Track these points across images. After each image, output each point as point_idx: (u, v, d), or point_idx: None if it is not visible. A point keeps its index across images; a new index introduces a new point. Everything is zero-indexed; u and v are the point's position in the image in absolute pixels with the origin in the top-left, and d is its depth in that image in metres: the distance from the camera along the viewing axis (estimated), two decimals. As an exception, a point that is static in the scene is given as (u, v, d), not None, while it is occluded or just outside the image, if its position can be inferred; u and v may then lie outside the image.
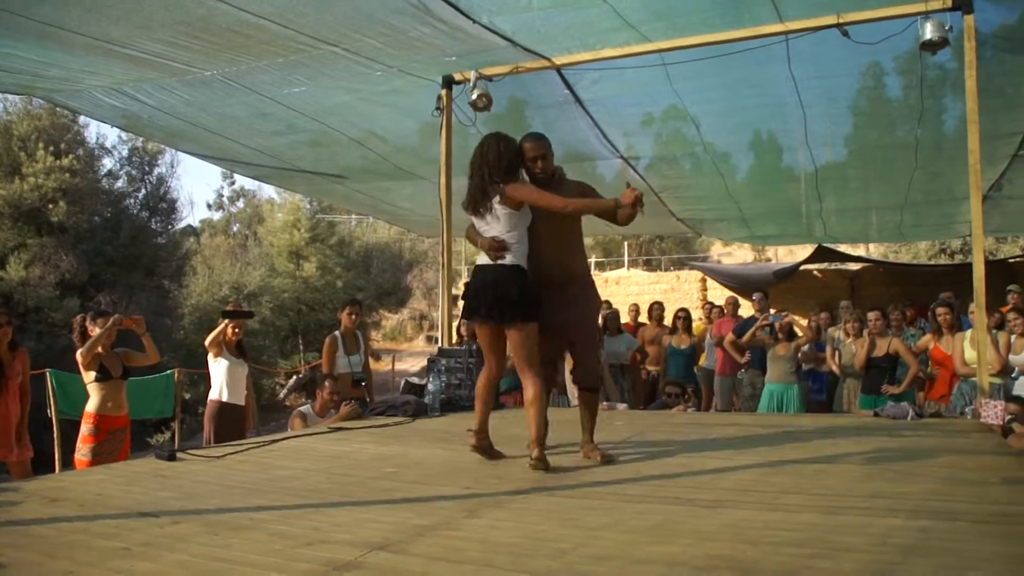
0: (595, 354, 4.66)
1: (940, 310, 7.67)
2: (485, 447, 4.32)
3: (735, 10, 6.10)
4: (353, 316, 7.70)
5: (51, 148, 18.63)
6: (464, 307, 4.27)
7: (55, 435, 9.38)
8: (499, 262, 4.10)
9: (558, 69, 7.24)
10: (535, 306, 4.12)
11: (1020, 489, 3.28)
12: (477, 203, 4.18)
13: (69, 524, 2.99)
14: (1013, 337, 7.10)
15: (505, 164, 4.13)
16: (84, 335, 6.26)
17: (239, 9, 5.71)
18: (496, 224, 4.13)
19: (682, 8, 6.10)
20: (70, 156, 18.94)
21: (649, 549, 2.57)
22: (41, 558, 2.54)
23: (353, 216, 30.29)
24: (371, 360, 7.91)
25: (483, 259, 4.19)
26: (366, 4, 5.85)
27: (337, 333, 7.63)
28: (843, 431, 5.29)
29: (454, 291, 9.50)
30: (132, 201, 22.40)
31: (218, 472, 4.16)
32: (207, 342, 7.24)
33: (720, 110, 8.09)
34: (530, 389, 4.06)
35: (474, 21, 6.15)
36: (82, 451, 6.11)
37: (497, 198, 4.09)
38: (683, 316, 10.04)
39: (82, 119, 19.87)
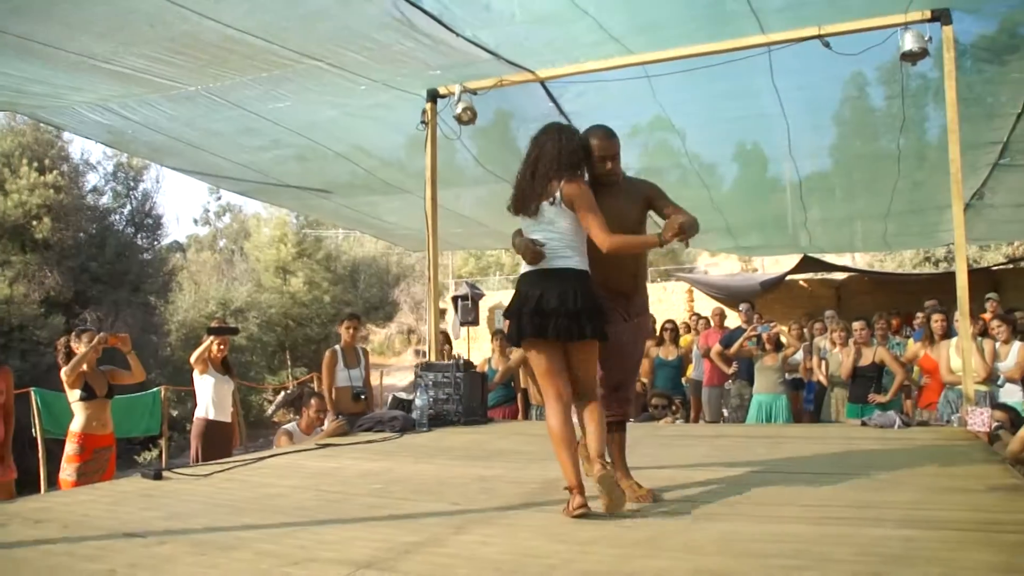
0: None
1: (936, 316, 7.67)
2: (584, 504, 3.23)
3: (717, 22, 6.14)
4: (351, 331, 7.73)
5: (35, 164, 18.50)
6: (519, 324, 3.50)
7: (40, 455, 9.29)
8: (565, 266, 3.48)
9: (542, 82, 7.26)
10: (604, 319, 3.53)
11: (1006, 497, 3.29)
12: (527, 200, 3.58)
13: (53, 546, 2.96)
14: (997, 344, 7.14)
15: (566, 159, 3.56)
16: (69, 355, 6.21)
17: (223, 25, 5.71)
18: (548, 227, 3.52)
19: (665, 21, 6.13)
20: (54, 172, 18.81)
21: (639, 563, 2.57)
22: (24, 581, 2.52)
23: (340, 231, 30.23)
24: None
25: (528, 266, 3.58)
26: (350, 19, 5.86)
27: (337, 347, 7.66)
28: (831, 441, 5.31)
29: (442, 304, 9.51)
30: (117, 217, 22.25)
31: (205, 491, 4.13)
32: (192, 359, 7.21)
33: (705, 121, 8.13)
34: (597, 410, 3.49)
35: (458, 35, 6.17)
36: (67, 471, 6.05)
37: (555, 197, 3.49)
38: (670, 328, 10.05)
39: (66, 135, 19.78)
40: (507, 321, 3.73)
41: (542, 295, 3.43)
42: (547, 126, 3.74)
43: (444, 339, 8.79)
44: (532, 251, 3.48)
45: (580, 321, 3.39)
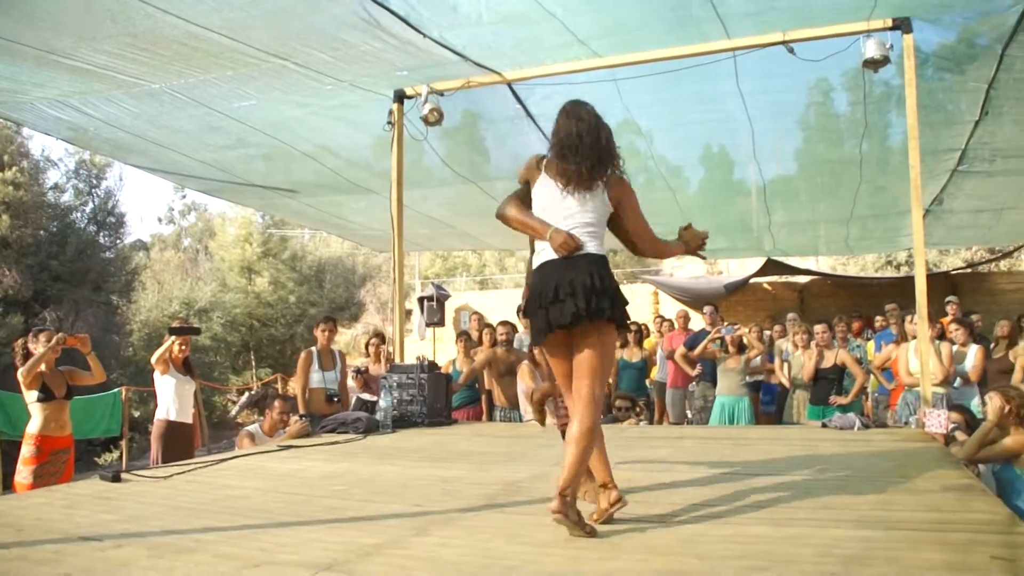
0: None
1: (911, 318, 7.42)
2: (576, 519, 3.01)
3: (683, 26, 6.18)
4: (327, 332, 7.75)
5: (-7, 160, 18.23)
6: (544, 314, 3.25)
7: (-5, 456, 9.14)
8: (584, 252, 3.28)
9: (509, 84, 7.27)
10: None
11: (959, 497, 3.35)
12: (581, 178, 3.33)
13: (6, 551, 2.90)
14: (955, 347, 7.26)
15: (616, 153, 3.47)
16: (27, 357, 6.11)
17: (186, 21, 5.65)
18: (584, 212, 3.33)
19: (631, 24, 6.17)
20: (14, 168, 18.49)
21: (598, 565, 2.58)
22: (-25, 586, 2.47)
23: (306, 230, 30.02)
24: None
25: (548, 254, 3.34)
26: (316, 18, 5.83)
27: (314, 348, 7.64)
28: (792, 442, 5.37)
29: (408, 305, 9.49)
30: (79, 215, 21.91)
31: (164, 493, 4.08)
32: (153, 359, 7.13)
33: (671, 124, 8.18)
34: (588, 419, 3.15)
35: (425, 36, 6.16)
36: (23, 473, 5.96)
37: (603, 186, 3.36)
38: (634, 329, 10.10)
39: (26, 131, 19.45)
40: (527, 320, 3.53)
41: (563, 279, 3.22)
42: (589, 109, 3.52)
43: (380, 340, 8.76)
44: (571, 246, 3.27)
45: (598, 302, 3.17)
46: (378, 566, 2.63)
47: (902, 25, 5.89)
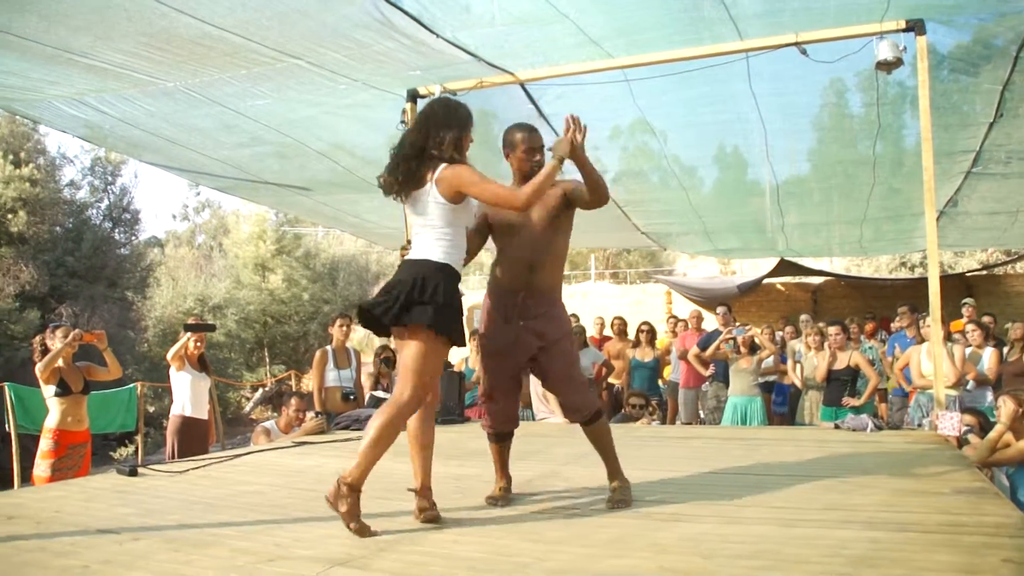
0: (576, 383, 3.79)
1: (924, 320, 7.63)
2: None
3: (696, 28, 6.18)
4: (344, 328, 7.67)
5: (11, 157, 18.35)
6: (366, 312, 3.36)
7: (14, 450, 9.21)
8: (422, 257, 3.30)
9: (522, 84, 7.28)
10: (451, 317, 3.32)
11: (971, 500, 3.35)
12: (405, 183, 3.29)
13: (26, 542, 2.95)
14: (969, 350, 7.24)
15: (451, 138, 3.28)
16: (45, 353, 6.18)
17: (201, 21, 5.69)
18: (415, 216, 3.38)
19: (644, 25, 6.17)
20: (30, 165, 18.65)
21: (607, 563, 2.60)
22: (-4, 577, 2.52)
23: (319, 228, 30.11)
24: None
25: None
26: (330, 18, 5.85)
27: (329, 347, 7.60)
28: (804, 443, 5.37)
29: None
30: (94, 211, 22.10)
31: (180, 487, 4.13)
32: (169, 356, 7.19)
33: (685, 124, 8.17)
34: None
35: (437, 36, 6.17)
36: (41, 467, 6.03)
37: (431, 182, 3.25)
38: (646, 329, 10.11)
39: (43, 128, 19.61)
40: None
41: (392, 282, 3.38)
42: (430, 101, 3.63)
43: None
44: (402, 254, 3.54)
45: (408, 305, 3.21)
46: (392, 562, 2.66)
47: (916, 27, 5.86)
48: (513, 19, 6.02)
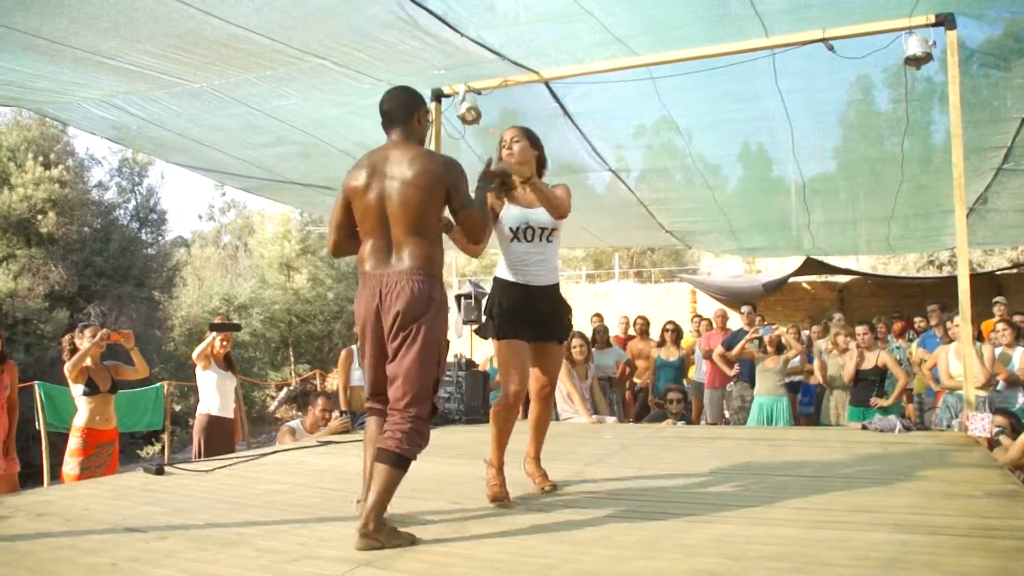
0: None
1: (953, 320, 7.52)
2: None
3: (721, 24, 6.13)
4: None
5: (40, 158, 18.59)
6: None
7: (43, 448, 9.32)
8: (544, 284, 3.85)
9: (547, 83, 7.26)
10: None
11: (1003, 503, 3.29)
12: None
13: (55, 540, 2.98)
14: (999, 350, 7.13)
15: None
16: (74, 352, 6.24)
17: (228, 23, 5.72)
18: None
19: (668, 22, 6.13)
20: (59, 167, 18.89)
21: (634, 564, 2.58)
22: (26, 574, 2.54)
23: (344, 227, 30.17)
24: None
25: (506, 275, 3.89)
26: (355, 18, 5.87)
27: (354, 347, 7.63)
28: (831, 444, 5.32)
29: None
30: (122, 212, 22.36)
31: (206, 486, 4.16)
32: (195, 355, 7.23)
33: (710, 122, 8.12)
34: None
35: (462, 35, 6.17)
36: (70, 465, 6.08)
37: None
38: (671, 328, 10.06)
39: (71, 130, 19.86)
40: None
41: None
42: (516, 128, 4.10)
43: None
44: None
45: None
46: (416, 562, 2.66)
47: (945, 21, 5.78)
48: (537, 17, 6.00)
